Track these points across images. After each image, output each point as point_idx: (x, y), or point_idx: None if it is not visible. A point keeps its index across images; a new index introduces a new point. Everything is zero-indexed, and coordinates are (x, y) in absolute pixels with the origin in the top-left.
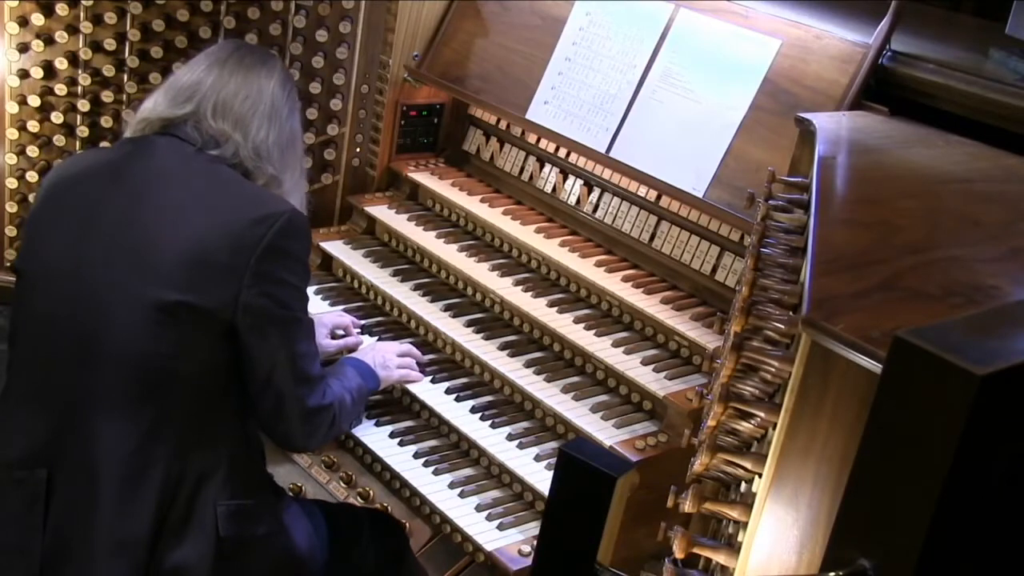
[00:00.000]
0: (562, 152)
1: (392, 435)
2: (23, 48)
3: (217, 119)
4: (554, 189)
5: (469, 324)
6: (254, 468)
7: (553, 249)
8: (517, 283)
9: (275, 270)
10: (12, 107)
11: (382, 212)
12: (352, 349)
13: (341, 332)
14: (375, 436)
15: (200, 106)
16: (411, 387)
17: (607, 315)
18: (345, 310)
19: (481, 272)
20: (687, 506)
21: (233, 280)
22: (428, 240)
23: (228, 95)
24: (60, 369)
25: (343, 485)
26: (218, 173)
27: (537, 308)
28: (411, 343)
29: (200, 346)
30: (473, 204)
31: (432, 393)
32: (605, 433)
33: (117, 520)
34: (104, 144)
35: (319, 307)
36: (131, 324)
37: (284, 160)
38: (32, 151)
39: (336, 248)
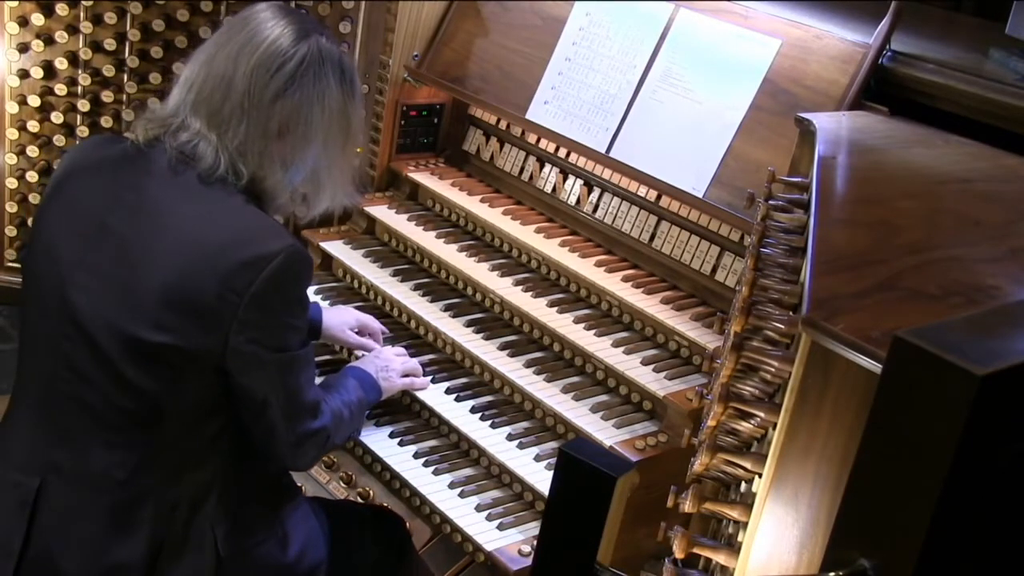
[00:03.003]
0: (562, 152)
1: (392, 435)
2: (23, 48)
3: (195, 116)
4: (554, 189)
5: (469, 324)
6: (251, 480)
7: (553, 249)
8: (517, 283)
9: (264, 316)
10: (12, 107)
11: (382, 212)
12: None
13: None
14: (375, 436)
15: (182, 106)
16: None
17: (607, 315)
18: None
19: (481, 272)
20: (687, 506)
21: (220, 325)
22: (428, 240)
23: (205, 85)
24: (57, 386)
25: (343, 485)
26: (210, 198)
27: (537, 308)
28: (411, 343)
29: (189, 382)
30: (473, 204)
31: (432, 393)
32: (605, 433)
33: (111, 545)
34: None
35: None
36: (118, 360)
37: (269, 154)
38: (32, 151)
39: (336, 248)
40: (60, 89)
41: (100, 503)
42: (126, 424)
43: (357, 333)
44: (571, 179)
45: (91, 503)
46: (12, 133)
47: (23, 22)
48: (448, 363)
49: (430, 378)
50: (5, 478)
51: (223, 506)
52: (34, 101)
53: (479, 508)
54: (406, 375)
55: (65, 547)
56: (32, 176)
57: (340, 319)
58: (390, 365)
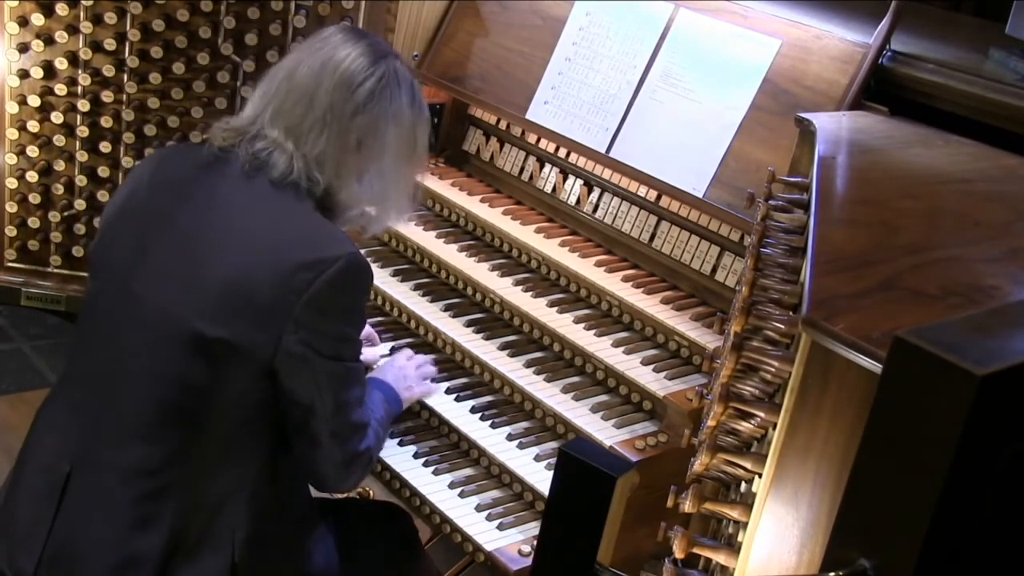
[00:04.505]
0: (562, 152)
1: (392, 435)
2: (23, 48)
3: (273, 127)
4: (554, 189)
5: (469, 324)
6: (278, 495)
7: (553, 249)
8: (517, 283)
9: (319, 320)
10: (12, 107)
11: None
12: (370, 365)
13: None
14: None
15: (262, 115)
16: None
17: (607, 315)
18: None
19: (481, 272)
20: (687, 506)
21: (275, 324)
22: (428, 240)
23: (287, 98)
24: (102, 374)
25: None
26: (279, 201)
27: (537, 308)
28: (411, 343)
29: (236, 381)
30: (473, 204)
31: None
32: (605, 433)
33: (131, 535)
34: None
35: None
36: (169, 351)
37: (346, 165)
38: (32, 151)
39: None
40: (60, 89)
41: (126, 493)
42: (166, 417)
43: None
44: (571, 179)
45: (117, 492)
46: (12, 133)
47: (23, 22)
48: (448, 363)
49: (442, 384)
50: (38, 463)
51: (248, 514)
52: (34, 101)
53: (479, 508)
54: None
55: (86, 534)
56: (32, 176)
57: None
58: (407, 374)
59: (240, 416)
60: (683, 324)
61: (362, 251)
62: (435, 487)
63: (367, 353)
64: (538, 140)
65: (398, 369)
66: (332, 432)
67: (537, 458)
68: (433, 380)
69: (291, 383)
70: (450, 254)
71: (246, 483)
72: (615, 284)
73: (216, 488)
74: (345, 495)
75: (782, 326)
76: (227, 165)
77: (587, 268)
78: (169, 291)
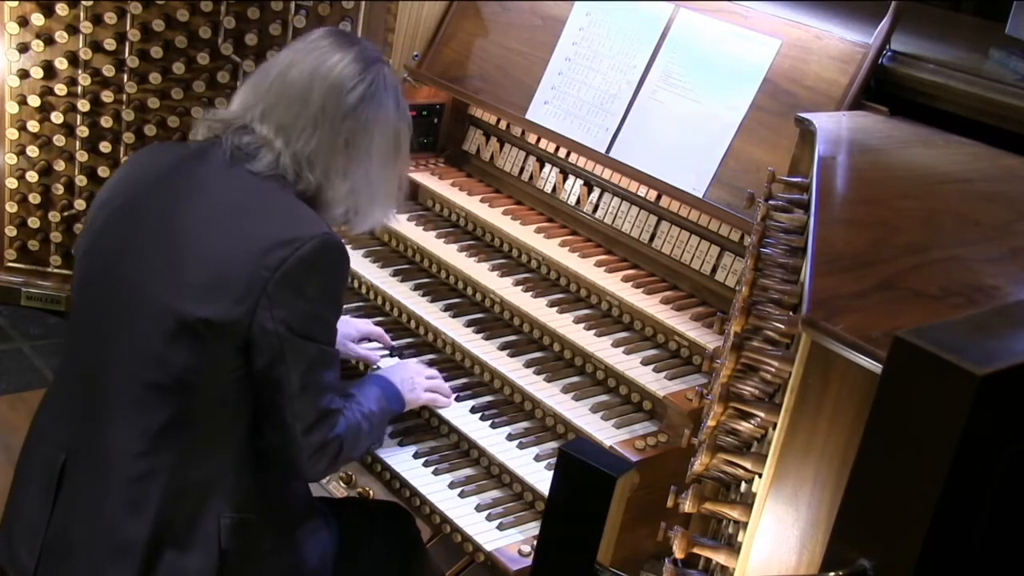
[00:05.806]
0: (562, 152)
1: (392, 435)
2: (23, 48)
3: (263, 124)
4: (554, 189)
5: (469, 324)
6: (266, 484)
7: (553, 249)
8: (517, 283)
9: (292, 297)
10: (12, 107)
11: None
12: (368, 364)
13: (373, 343)
14: None
15: (252, 112)
16: None
17: (607, 315)
18: (344, 310)
19: (481, 272)
20: (687, 506)
21: (249, 299)
22: (428, 240)
23: (279, 98)
24: (89, 362)
25: (343, 485)
26: (259, 187)
27: (537, 308)
28: (411, 343)
29: (216, 360)
30: (473, 204)
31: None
32: (605, 433)
33: (119, 520)
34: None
35: None
36: (151, 334)
37: (336, 167)
38: (32, 151)
39: None
40: (60, 89)
41: (114, 476)
42: (151, 400)
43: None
44: (571, 179)
45: (105, 476)
46: (12, 133)
47: (23, 22)
48: (448, 363)
49: (453, 397)
50: (38, 455)
51: (234, 501)
52: (34, 101)
53: (479, 508)
54: (430, 391)
55: (78, 521)
56: (32, 176)
57: (341, 331)
58: (415, 378)
59: (221, 399)
60: (683, 324)
61: (363, 250)
62: (435, 487)
63: (368, 353)
64: (538, 140)
65: (407, 370)
66: (296, 414)
67: (537, 458)
68: (456, 399)
69: (262, 360)
70: (450, 254)
71: (231, 469)
72: (615, 284)
73: (201, 473)
74: (346, 495)
75: (782, 326)
76: (209, 154)
77: (587, 268)
78: (151, 275)
